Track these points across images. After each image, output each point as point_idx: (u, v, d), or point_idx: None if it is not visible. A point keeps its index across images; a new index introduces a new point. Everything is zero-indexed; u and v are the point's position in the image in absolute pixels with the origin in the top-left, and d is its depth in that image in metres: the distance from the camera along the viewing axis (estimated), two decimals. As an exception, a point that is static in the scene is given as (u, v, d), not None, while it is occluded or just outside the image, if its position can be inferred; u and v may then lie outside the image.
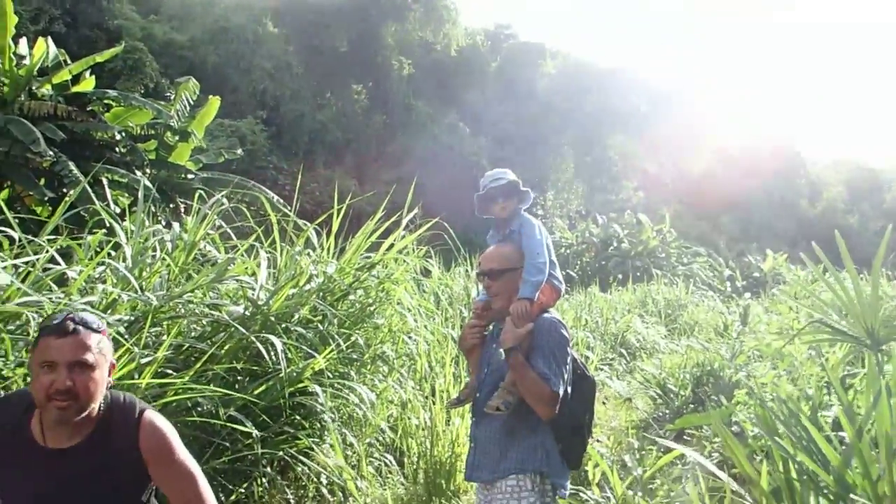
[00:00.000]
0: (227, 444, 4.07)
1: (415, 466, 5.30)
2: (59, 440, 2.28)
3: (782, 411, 2.44)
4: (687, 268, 26.30)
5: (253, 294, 4.80)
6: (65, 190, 11.65)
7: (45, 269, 3.96)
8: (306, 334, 4.81)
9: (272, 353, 4.22)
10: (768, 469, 2.35)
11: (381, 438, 5.41)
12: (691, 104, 52.25)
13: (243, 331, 4.23)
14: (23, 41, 12.76)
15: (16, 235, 4.11)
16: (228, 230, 5.80)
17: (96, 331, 2.29)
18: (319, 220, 5.96)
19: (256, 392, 4.23)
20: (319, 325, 5.10)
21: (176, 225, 5.52)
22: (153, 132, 14.16)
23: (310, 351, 4.63)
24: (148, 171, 13.46)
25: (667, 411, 6.53)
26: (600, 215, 31.46)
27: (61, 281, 4.21)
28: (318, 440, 4.62)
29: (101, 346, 2.29)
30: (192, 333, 4.42)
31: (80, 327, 2.26)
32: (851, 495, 2.05)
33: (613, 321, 12.24)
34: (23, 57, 12.36)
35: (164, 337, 4.03)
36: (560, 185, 39.80)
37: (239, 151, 17.80)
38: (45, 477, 2.26)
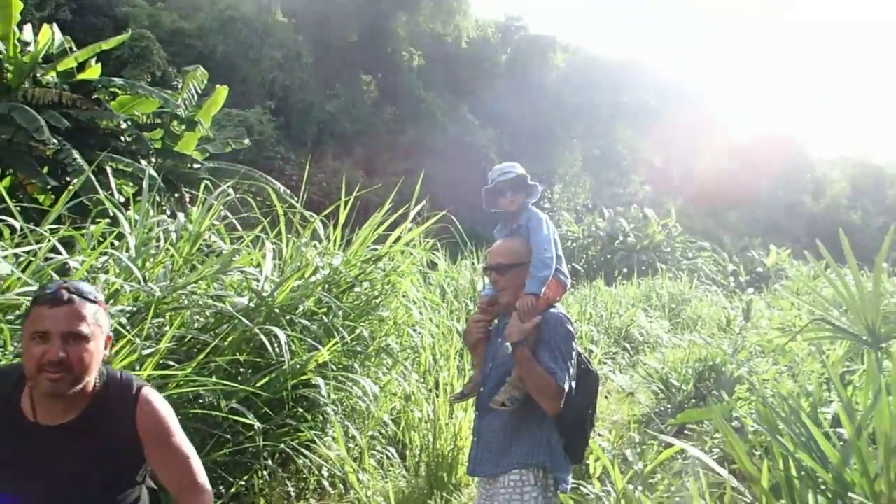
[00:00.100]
0: (229, 436, 4.08)
1: (417, 459, 5.30)
2: (52, 416, 2.18)
3: (783, 408, 2.43)
4: (691, 262, 26.24)
5: (258, 285, 4.80)
6: (68, 178, 11.65)
7: (46, 259, 3.96)
8: (311, 326, 4.81)
9: (276, 345, 4.22)
10: (768, 466, 2.34)
11: (383, 431, 5.42)
12: (699, 100, 52.13)
13: (247, 322, 4.23)
14: (28, 28, 12.73)
15: (17, 224, 4.10)
16: (234, 221, 5.80)
17: (92, 301, 2.18)
18: (326, 211, 5.96)
19: (259, 384, 4.23)
20: (324, 317, 5.10)
21: (181, 215, 5.51)
22: (159, 121, 14.14)
23: (314, 343, 4.63)
24: (153, 160, 13.45)
25: (668, 406, 6.53)
26: (607, 209, 31.41)
27: (63, 271, 4.21)
28: (320, 433, 4.63)
29: (96, 317, 2.18)
30: (196, 325, 4.42)
31: (75, 296, 2.15)
32: (850, 493, 2.05)
33: (618, 315, 12.24)
34: (27, 44, 12.33)
35: (167, 328, 4.03)
36: (568, 178, 39.74)
37: (246, 141, 17.77)
38: (36, 454, 2.17)
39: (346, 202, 5.91)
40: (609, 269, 23.62)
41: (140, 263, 4.38)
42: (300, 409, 4.55)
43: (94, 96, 12.71)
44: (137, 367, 3.58)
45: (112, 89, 13.05)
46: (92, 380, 2.20)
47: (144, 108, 13.46)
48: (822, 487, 2.12)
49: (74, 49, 12.79)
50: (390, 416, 5.53)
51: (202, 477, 2.34)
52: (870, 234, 43.74)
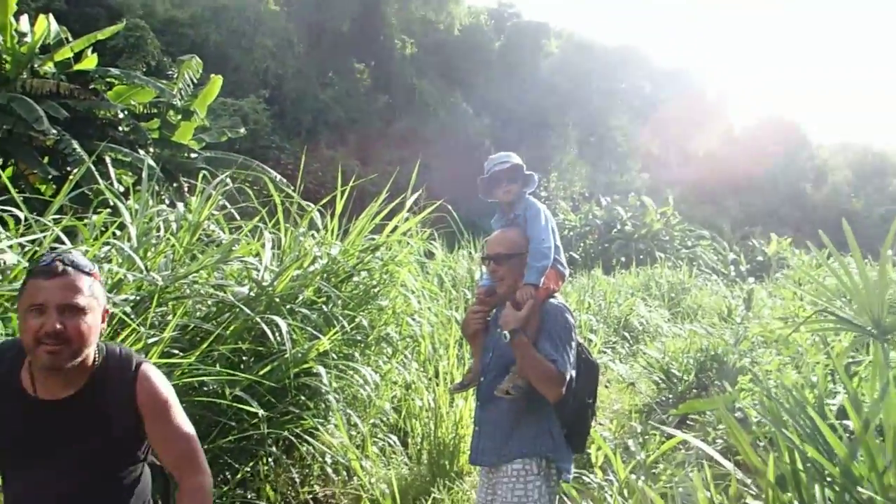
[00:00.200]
0: (233, 424, 4.09)
1: (418, 447, 5.33)
2: (51, 391, 2.14)
3: (788, 401, 2.44)
4: (690, 251, 26.29)
5: (257, 275, 4.81)
6: (68, 168, 11.64)
7: (50, 249, 3.95)
8: (311, 315, 4.81)
9: (277, 334, 4.23)
10: (772, 457, 2.35)
11: (385, 419, 5.44)
12: (697, 85, 52.11)
13: (248, 312, 4.23)
14: (24, 18, 12.68)
15: (22, 215, 4.10)
16: (233, 210, 5.80)
17: (88, 273, 2.14)
18: (324, 201, 5.95)
19: (262, 372, 4.24)
20: (324, 306, 5.11)
21: (180, 205, 5.51)
22: (156, 111, 14.12)
23: (314, 332, 4.64)
24: (151, 149, 13.43)
25: (670, 396, 6.55)
26: (604, 197, 31.41)
27: (66, 261, 4.20)
28: (322, 420, 4.64)
29: (92, 289, 2.13)
30: (198, 314, 4.42)
31: (71, 268, 2.10)
32: (858, 487, 2.05)
33: (616, 304, 12.26)
34: (24, 34, 12.28)
35: (170, 317, 4.03)
36: (563, 166, 39.64)
37: (242, 130, 17.73)
38: (37, 429, 2.14)
39: (343, 192, 5.91)
40: (607, 259, 23.66)
41: (142, 253, 4.38)
42: (302, 398, 4.56)
43: (92, 86, 12.69)
44: (143, 356, 3.59)
45: (108, 79, 13.02)
46: (91, 353, 2.17)
47: (141, 98, 13.43)
48: (829, 481, 2.12)
49: (70, 39, 12.76)
50: (391, 404, 5.54)
51: (201, 457, 2.31)
52: (872, 222, 43.74)
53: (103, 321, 2.20)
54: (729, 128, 52.28)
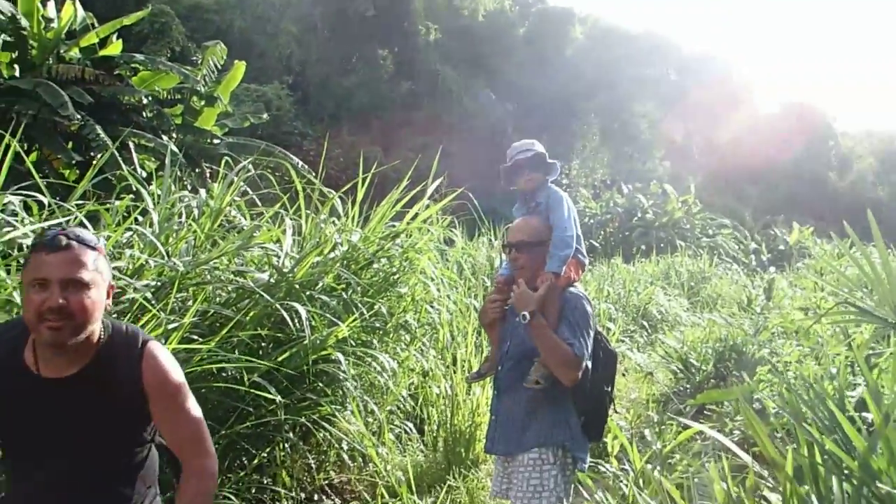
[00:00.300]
0: (251, 410, 4.12)
1: (434, 435, 5.35)
2: (55, 369, 2.09)
3: (808, 394, 2.42)
4: (711, 240, 26.10)
5: (278, 261, 4.84)
6: (92, 154, 11.73)
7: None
8: (330, 302, 4.84)
9: (296, 321, 4.25)
10: (789, 448, 2.34)
11: (401, 406, 5.47)
12: (722, 72, 51.47)
13: (268, 298, 4.26)
14: (51, 4, 12.77)
15: (46, 200, 4.15)
16: (254, 196, 5.83)
17: (92, 247, 2.08)
18: (345, 188, 5.97)
19: (280, 359, 4.27)
20: (343, 293, 5.13)
21: (202, 191, 5.54)
22: (180, 97, 14.18)
23: (333, 319, 4.66)
24: (174, 135, 13.51)
25: (688, 386, 6.53)
26: (626, 185, 31.21)
27: (89, 246, 4.25)
28: (339, 407, 4.67)
29: (97, 264, 2.07)
30: (218, 300, 4.45)
31: (75, 242, 2.04)
32: (877, 482, 2.03)
33: (636, 293, 12.21)
34: (50, 20, 12.38)
35: (191, 303, 4.07)
36: (586, 153, 39.41)
37: (264, 116, 17.78)
38: (41, 408, 2.09)
39: (364, 179, 5.92)
40: (627, 247, 23.55)
41: (164, 239, 4.42)
42: (320, 384, 4.59)
43: (116, 72, 12.76)
44: (163, 341, 3.62)
45: (133, 65, 13.08)
46: (95, 330, 2.11)
47: (165, 84, 13.49)
48: (847, 474, 2.10)
49: (96, 25, 12.84)
50: (408, 391, 5.57)
51: (207, 441, 2.27)
52: (896, 210, 43.14)
53: (108, 297, 2.15)
54: (753, 115, 51.62)
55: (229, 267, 4.69)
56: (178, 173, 7.44)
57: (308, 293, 4.74)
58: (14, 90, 11.27)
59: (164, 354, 2.22)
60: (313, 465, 4.60)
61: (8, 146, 3.99)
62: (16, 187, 4.15)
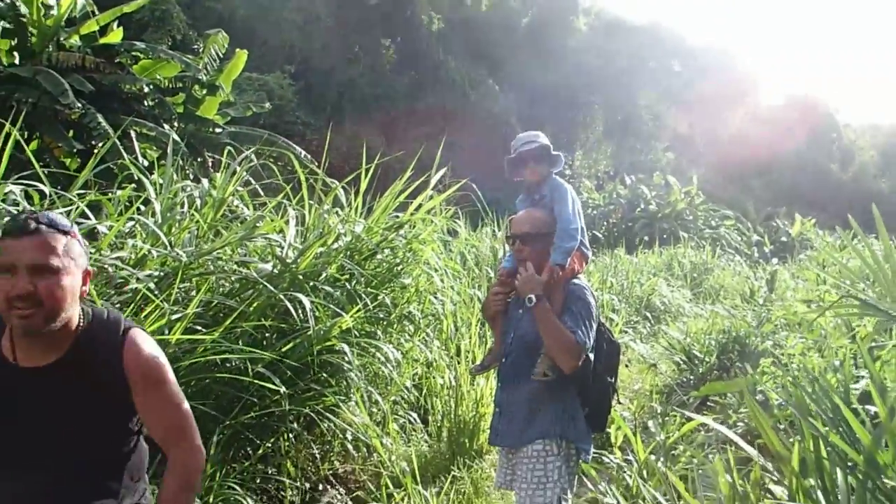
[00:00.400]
0: (256, 400, 4.12)
1: (439, 425, 5.36)
2: (33, 358, 2.02)
3: (814, 387, 2.42)
4: (714, 231, 26.09)
5: (281, 252, 4.83)
6: (93, 142, 11.70)
7: (75, 224, 3.98)
8: (334, 293, 4.83)
9: (300, 312, 4.25)
10: (793, 441, 2.33)
11: (405, 397, 5.47)
12: (725, 63, 51.33)
13: (272, 288, 4.25)
14: (51, -9, 12.73)
15: (47, 190, 4.14)
16: (257, 186, 5.81)
17: (64, 231, 1.99)
18: (348, 178, 5.95)
19: (284, 349, 4.27)
20: (347, 284, 5.12)
21: (205, 181, 5.53)
22: (181, 85, 14.13)
23: (337, 310, 4.66)
24: (176, 124, 13.47)
25: (691, 377, 6.53)
26: (629, 176, 31.19)
27: (91, 235, 4.25)
28: (344, 398, 4.67)
29: (69, 250, 1.99)
30: (221, 290, 4.45)
31: (44, 226, 1.96)
32: (882, 476, 2.02)
33: (639, 284, 12.22)
34: (50, 7, 12.30)
35: (194, 293, 4.06)
36: (589, 144, 39.38)
37: (267, 105, 17.75)
38: (20, 398, 2.01)
39: (367, 170, 5.90)
40: (630, 238, 23.56)
41: (166, 229, 4.41)
42: (324, 375, 4.59)
43: (117, 60, 12.71)
44: (166, 332, 3.63)
45: (134, 53, 13.03)
46: (72, 317, 2.03)
47: (166, 73, 13.44)
48: (850, 465, 2.09)
49: (96, 12, 12.77)
50: (412, 382, 5.57)
51: (192, 432, 2.18)
52: (898, 202, 43.04)
53: (85, 283, 2.07)
54: (756, 107, 51.55)
55: (232, 257, 4.68)
56: (181, 163, 7.44)
57: (312, 284, 4.73)
58: (14, 78, 11.23)
59: (146, 341, 2.13)
60: (318, 456, 4.61)
61: (8, 135, 3.97)
62: (16, 176, 4.13)
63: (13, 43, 11.91)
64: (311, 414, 4.41)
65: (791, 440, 2.34)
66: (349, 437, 4.69)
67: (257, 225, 5.10)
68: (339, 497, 4.48)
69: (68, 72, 11.43)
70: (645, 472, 3.95)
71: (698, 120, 48.39)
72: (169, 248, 4.18)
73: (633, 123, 43.40)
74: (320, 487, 4.53)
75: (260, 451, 4.21)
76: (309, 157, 13.04)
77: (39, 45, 11.84)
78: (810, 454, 2.11)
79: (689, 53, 50.80)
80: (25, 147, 5.08)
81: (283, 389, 3.94)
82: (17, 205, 3.94)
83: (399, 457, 4.75)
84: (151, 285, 3.76)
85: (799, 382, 2.61)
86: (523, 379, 2.98)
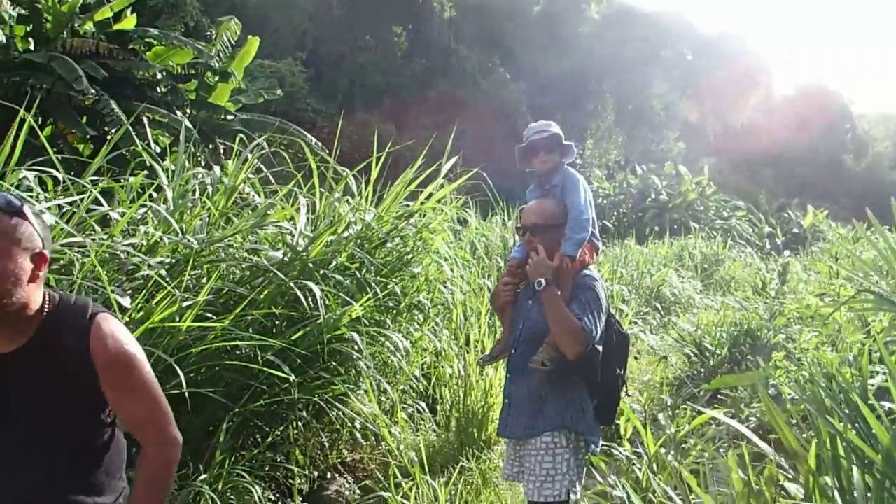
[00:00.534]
0: (265, 388, 4.13)
1: (447, 415, 5.36)
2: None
3: (831, 383, 2.39)
4: (725, 222, 25.98)
5: (292, 240, 4.83)
6: (106, 128, 11.73)
7: (88, 211, 4.00)
8: (344, 281, 4.83)
9: (310, 300, 4.25)
10: (807, 437, 2.31)
11: (414, 386, 5.47)
12: (738, 53, 50.90)
13: (282, 276, 4.25)
14: (66, -23, 12.74)
15: (60, 176, 4.14)
16: (268, 174, 5.81)
17: (11, 211, 1.88)
18: (359, 167, 5.94)
19: (294, 337, 4.27)
20: (357, 272, 5.12)
21: (216, 168, 5.53)
22: (194, 72, 14.14)
23: (347, 298, 4.65)
24: (188, 111, 13.49)
25: (702, 370, 6.50)
26: (639, 166, 31.07)
27: (104, 222, 4.26)
28: (353, 386, 4.67)
29: (16, 231, 1.87)
30: (232, 278, 4.45)
31: None
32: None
33: (649, 275, 12.18)
34: (65, -7, 12.35)
35: (205, 281, 4.07)
36: (600, 133, 39.20)
37: (278, 92, 17.75)
38: None
39: (378, 158, 5.89)
40: (640, 228, 23.50)
41: (178, 216, 4.41)
42: (334, 363, 4.59)
43: (130, 47, 12.73)
44: (177, 319, 3.63)
45: (147, 40, 13.05)
46: (26, 302, 1.91)
47: (179, 59, 13.46)
48: (867, 463, 2.06)
49: (110, -1, 12.79)
50: (421, 371, 5.58)
51: (165, 423, 2.08)
52: (914, 195, 42.67)
53: (39, 267, 1.93)
54: (769, 97, 51.17)
55: (243, 245, 4.69)
56: (192, 149, 7.44)
57: (322, 272, 4.73)
58: (29, 64, 11.28)
59: (114, 327, 2.02)
60: (326, 444, 4.62)
61: (23, 121, 3.98)
62: (31, 162, 4.14)
63: (28, 29, 11.96)
64: (320, 402, 4.42)
65: (804, 435, 2.32)
66: (358, 426, 4.69)
67: (268, 213, 5.10)
68: (347, 486, 4.49)
69: (82, 58, 11.45)
70: (655, 466, 3.94)
71: (710, 109, 48.10)
72: (180, 235, 4.19)
73: (644, 112, 43.17)
74: (329, 476, 4.54)
75: (269, 439, 4.23)
76: (320, 144, 13.04)
77: (54, 31, 11.86)
78: (827, 452, 2.08)
79: (702, 42, 50.42)
80: (39, 133, 5.09)
81: (292, 377, 3.94)
82: (31, 191, 3.95)
83: (407, 446, 4.76)
84: (163, 272, 3.76)
85: (814, 378, 2.59)
86: (532, 370, 2.96)
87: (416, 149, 6.32)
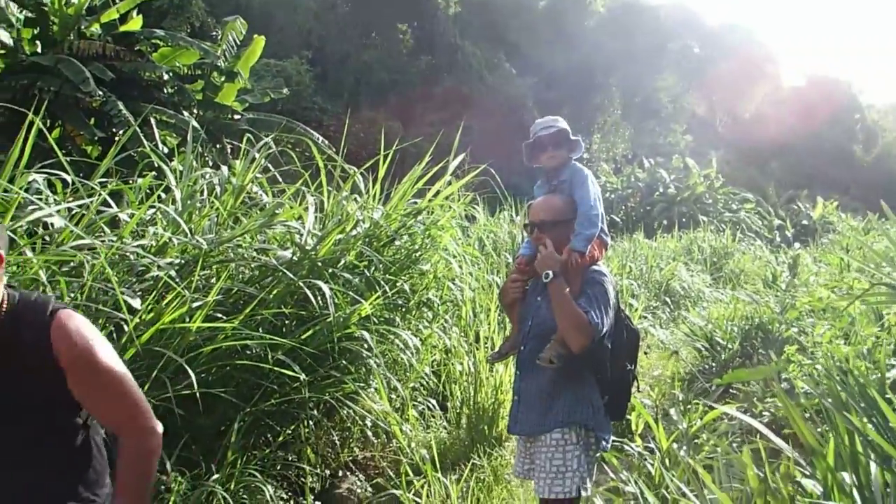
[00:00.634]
0: (276, 387, 4.13)
1: (458, 412, 5.36)
2: None
3: (845, 379, 2.37)
4: (734, 215, 25.87)
5: (300, 239, 4.83)
6: (114, 130, 11.76)
7: (97, 212, 4.01)
8: (353, 280, 4.83)
9: (319, 299, 4.24)
10: (821, 431, 2.29)
11: (425, 383, 5.47)
12: (746, 45, 50.67)
13: (291, 276, 4.25)
14: (70, -21, 12.76)
15: (69, 178, 4.15)
16: (276, 173, 5.81)
17: None
18: (367, 165, 5.93)
19: (304, 336, 4.27)
20: (365, 270, 5.12)
21: (224, 168, 5.53)
22: (200, 72, 14.16)
23: (356, 297, 4.65)
24: (195, 111, 13.51)
25: (713, 364, 6.47)
26: (647, 159, 30.97)
27: (113, 223, 4.27)
28: (363, 384, 4.68)
29: None
30: (241, 278, 4.46)
31: None
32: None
33: (658, 269, 12.14)
34: (71, -5, 12.37)
35: (214, 281, 4.07)
36: (607, 128, 39.09)
37: (284, 91, 17.72)
38: None
39: (385, 156, 5.88)
40: (649, 222, 23.41)
41: (186, 217, 4.42)
42: (344, 362, 4.59)
43: (137, 48, 12.75)
44: (188, 319, 3.64)
45: (153, 41, 13.07)
46: None
47: (185, 60, 13.46)
48: (885, 459, 2.04)
49: (116, 0, 12.80)
50: (431, 369, 5.57)
51: (139, 414, 2.01)
52: (923, 185, 42.45)
53: None
54: (777, 88, 50.92)
55: (252, 244, 4.69)
56: (200, 149, 7.45)
57: (331, 271, 4.73)
58: (36, 67, 11.30)
59: (76, 322, 1.96)
60: (337, 442, 4.62)
61: (31, 124, 3.98)
62: (39, 165, 4.15)
63: (35, 32, 11.97)
64: (331, 401, 4.42)
65: (818, 429, 2.30)
66: (369, 424, 4.69)
67: (276, 212, 5.10)
68: (358, 484, 4.49)
69: (89, 60, 11.47)
70: (668, 461, 3.92)
71: (718, 102, 47.92)
72: (189, 235, 4.20)
73: (651, 106, 43.02)
74: (340, 474, 4.55)
75: (280, 438, 4.23)
76: (327, 142, 13.04)
77: (61, 33, 11.88)
78: (845, 448, 2.06)
79: (709, 34, 50.24)
80: (48, 135, 5.10)
81: (302, 376, 3.95)
82: (41, 194, 3.96)
83: (418, 444, 4.76)
84: (173, 273, 3.76)
85: (830, 373, 2.56)
86: (541, 367, 2.95)
87: (423, 145, 6.31)
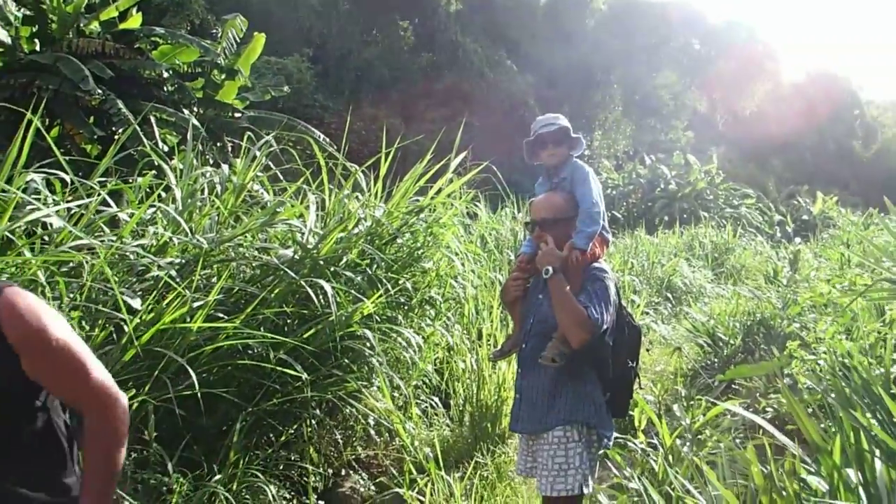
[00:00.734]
0: (278, 387, 4.13)
1: (461, 409, 5.35)
2: None
3: (851, 377, 2.36)
4: (735, 210, 25.87)
5: (302, 237, 4.81)
6: (114, 128, 11.74)
7: (97, 212, 3.99)
8: (355, 278, 4.82)
9: (321, 297, 4.23)
10: (825, 427, 2.28)
11: (427, 381, 5.46)
12: (747, 41, 50.58)
13: (293, 275, 4.24)
14: (71, -23, 12.73)
15: (68, 178, 4.14)
16: (277, 171, 5.80)
17: None
18: (368, 163, 5.92)
19: (306, 335, 4.26)
20: (367, 269, 5.10)
21: (225, 166, 5.52)
22: (200, 70, 14.13)
23: (358, 295, 4.64)
24: (195, 109, 13.48)
25: (715, 360, 6.46)
26: (648, 156, 30.96)
27: (113, 223, 4.26)
28: (366, 383, 4.67)
29: None
30: (242, 277, 4.45)
31: None
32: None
33: (659, 265, 12.14)
34: (70, -7, 12.34)
35: (215, 280, 4.06)
36: (608, 125, 39.07)
37: (285, 89, 17.70)
38: None
39: (387, 154, 5.86)
40: (650, 218, 23.42)
41: (187, 216, 4.41)
42: (346, 360, 4.58)
43: (136, 46, 12.71)
44: (188, 319, 3.63)
45: (153, 38, 13.03)
46: None
47: (185, 58, 13.43)
48: (890, 456, 2.03)
49: (115, -2, 12.78)
50: (434, 366, 5.56)
51: (101, 390, 1.93)
52: (922, 181, 42.44)
53: None
54: (777, 85, 50.82)
55: (253, 243, 4.68)
56: (200, 148, 7.43)
57: (332, 269, 4.72)
58: (35, 65, 11.27)
59: (25, 300, 1.87)
60: (340, 441, 4.62)
61: (30, 122, 3.97)
62: (38, 164, 4.14)
63: (34, 30, 11.94)
64: (334, 400, 4.41)
65: (822, 425, 2.29)
66: (371, 423, 4.69)
67: (278, 210, 5.09)
68: (361, 482, 4.49)
69: (88, 58, 11.44)
70: (671, 458, 3.91)
71: (719, 98, 47.86)
72: (190, 235, 4.18)
73: (652, 103, 42.97)
74: (343, 473, 4.54)
75: (283, 438, 4.22)
76: (328, 140, 13.01)
77: (60, 31, 11.85)
78: (850, 445, 2.05)
79: (710, 31, 50.12)
80: (46, 135, 5.09)
81: (305, 376, 3.94)
82: (39, 193, 3.94)
83: (422, 442, 4.75)
84: (173, 272, 3.75)
85: (834, 369, 2.55)
86: (543, 365, 2.95)
87: (425, 143, 6.29)
